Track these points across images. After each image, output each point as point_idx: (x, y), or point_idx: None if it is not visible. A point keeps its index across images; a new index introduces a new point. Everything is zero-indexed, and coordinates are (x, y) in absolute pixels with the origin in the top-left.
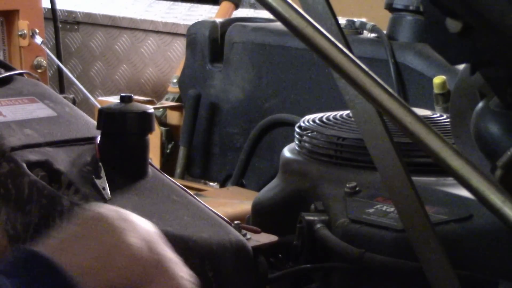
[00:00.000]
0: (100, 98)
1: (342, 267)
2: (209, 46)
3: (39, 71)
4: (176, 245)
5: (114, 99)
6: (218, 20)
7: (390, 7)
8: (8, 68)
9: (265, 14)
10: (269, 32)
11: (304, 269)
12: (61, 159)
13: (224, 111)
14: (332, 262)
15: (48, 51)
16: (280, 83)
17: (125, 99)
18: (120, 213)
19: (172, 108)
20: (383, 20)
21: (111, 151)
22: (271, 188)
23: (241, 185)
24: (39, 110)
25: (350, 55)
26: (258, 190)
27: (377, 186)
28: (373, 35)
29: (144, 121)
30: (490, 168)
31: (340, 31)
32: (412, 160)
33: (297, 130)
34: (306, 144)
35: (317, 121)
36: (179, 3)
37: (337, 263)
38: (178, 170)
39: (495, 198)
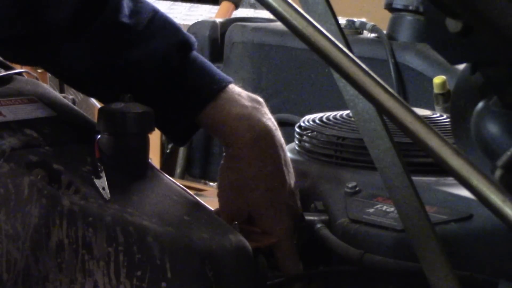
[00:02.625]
0: None
1: (342, 270)
2: (209, 46)
3: (39, 71)
4: (176, 245)
5: None
6: (218, 20)
7: (390, 7)
8: (7, 67)
9: (265, 14)
10: (269, 32)
11: (304, 274)
12: (61, 159)
13: None
14: (332, 262)
15: None
16: (280, 83)
17: (125, 99)
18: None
19: None
20: (383, 20)
21: (111, 151)
22: None
23: None
24: (39, 110)
25: (350, 55)
26: None
27: (377, 186)
28: (373, 35)
29: (144, 121)
30: (490, 168)
31: (340, 31)
32: (412, 160)
33: (297, 130)
34: (306, 144)
35: (317, 121)
36: (179, 3)
37: (337, 266)
38: (178, 170)
39: (495, 198)
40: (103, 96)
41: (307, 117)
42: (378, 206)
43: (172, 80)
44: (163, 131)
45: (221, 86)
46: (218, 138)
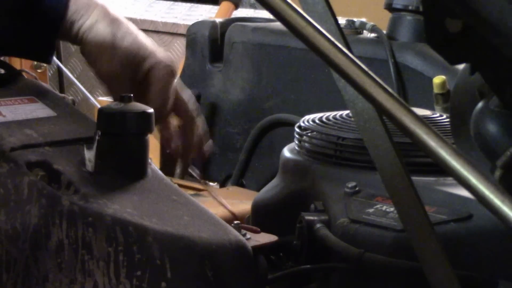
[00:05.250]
0: (100, 98)
1: (342, 267)
2: (209, 46)
3: (39, 71)
4: (176, 245)
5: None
6: (218, 20)
7: (389, 7)
8: (7, 67)
9: (265, 14)
10: (269, 32)
11: (304, 269)
12: (61, 159)
13: (224, 111)
14: (332, 262)
15: None
16: (280, 83)
17: (125, 99)
18: None
19: None
20: (383, 20)
21: (111, 151)
22: (271, 188)
23: (241, 185)
24: (39, 110)
25: (350, 55)
26: (258, 190)
27: (377, 186)
28: (373, 35)
29: (144, 121)
30: (490, 168)
31: (340, 31)
32: (412, 160)
33: (297, 130)
34: (306, 144)
35: (317, 121)
36: (179, 3)
37: (337, 263)
38: (178, 170)
39: (495, 198)
40: None
41: (307, 117)
42: (378, 206)
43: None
44: (24, 52)
45: None
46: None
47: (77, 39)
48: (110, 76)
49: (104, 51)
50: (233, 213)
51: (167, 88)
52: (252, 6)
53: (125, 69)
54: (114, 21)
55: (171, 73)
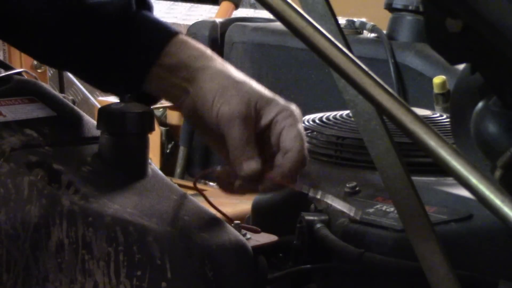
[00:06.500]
0: (100, 98)
1: (342, 267)
2: (209, 46)
3: (39, 71)
4: (176, 245)
5: (114, 99)
6: (218, 20)
7: (390, 7)
8: (7, 68)
9: (265, 14)
10: (269, 32)
11: (304, 269)
12: (61, 159)
13: None
14: (332, 262)
15: None
16: (280, 83)
17: (125, 99)
18: None
19: (172, 108)
20: (383, 20)
21: (111, 151)
22: None
23: None
24: (39, 110)
25: (350, 55)
26: None
27: (377, 186)
28: (373, 35)
29: (144, 121)
30: (490, 168)
31: (340, 31)
32: (412, 160)
33: None
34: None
35: (317, 121)
36: (179, 3)
37: (337, 263)
38: (178, 170)
39: (495, 198)
40: (50, 44)
41: (307, 117)
42: (378, 206)
43: (128, 25)
44: (118, 82)
45: (174, 30)
46: (177, 79)
47: (185, 81)
48: (233, 116)
49: (227, 89)
50: (227, 216)
51: (297, 132)
52: (252, 6)
53: (250, 110)
54: (223, 64)
55: (297, 119)
